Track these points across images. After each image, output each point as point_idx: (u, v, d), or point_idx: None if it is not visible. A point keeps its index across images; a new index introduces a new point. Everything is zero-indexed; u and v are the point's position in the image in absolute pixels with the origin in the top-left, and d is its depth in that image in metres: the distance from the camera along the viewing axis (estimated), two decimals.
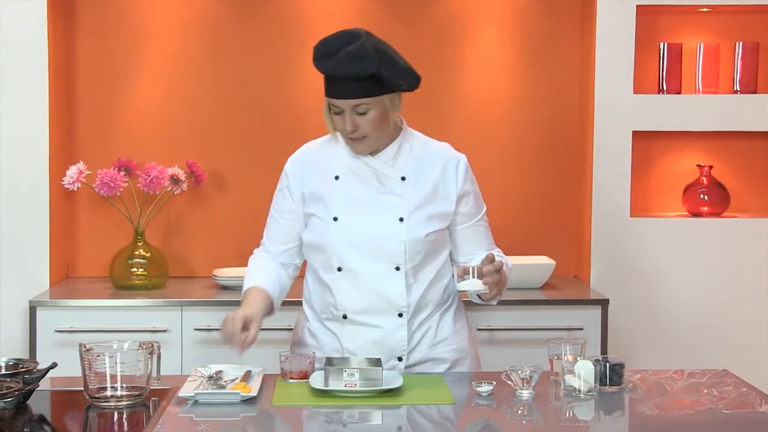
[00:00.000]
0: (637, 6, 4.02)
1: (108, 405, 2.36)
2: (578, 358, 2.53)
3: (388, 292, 2.70)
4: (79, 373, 2.40)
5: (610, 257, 4.08)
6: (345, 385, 2.45)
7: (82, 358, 2.38)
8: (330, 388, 2.45)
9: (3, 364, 2.45)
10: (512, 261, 3.88)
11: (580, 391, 2.46)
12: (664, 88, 4.15)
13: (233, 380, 2.52)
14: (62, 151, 4.10)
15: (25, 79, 3.90)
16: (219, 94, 4.23)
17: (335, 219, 2.70)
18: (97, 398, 2.37)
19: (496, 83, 4.27)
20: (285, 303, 2.86)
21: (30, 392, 2.38)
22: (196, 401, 2.40)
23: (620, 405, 2.48)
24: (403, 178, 2.72)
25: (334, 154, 2.76)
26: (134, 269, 3.98)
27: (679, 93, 4.14)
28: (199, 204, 4.26)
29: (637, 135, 4.10)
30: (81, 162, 3.98)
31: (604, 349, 3.79)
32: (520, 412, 2.39)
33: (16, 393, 2.25)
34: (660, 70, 4.15)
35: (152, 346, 2.45)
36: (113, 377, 2.37)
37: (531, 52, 4.27)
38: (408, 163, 2.74)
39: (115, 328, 3.68)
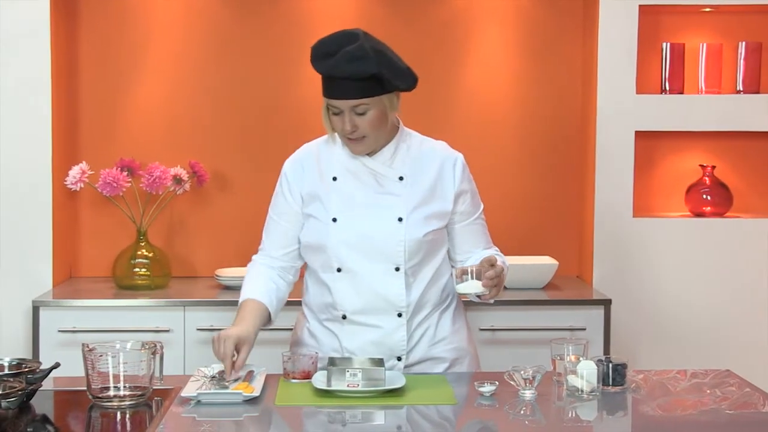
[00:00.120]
0: (640, 6, 4.02)
1: (111, 405, 2.36)
2: (581, 359, 2.53)
3: (387, 292, 2.70)
4: (82, 373, 2.40)
5: (613, 257, 4.08)
6: (347, 385, 2.45)
7: (85, 358, 2.38)
8: (332, 388, 2.45)
9: (6, 364, 2.45)
10: (515, 261, 3.91)
11: (582, 391, 2.46)
12: (667, 88, 4.15)
13: (236, 380, 2.52)
14: (65, 151, 4.11)
15: (27, 79, 3.90)
16: (221, 94, 4.23)
17: (334, 220, 2.70)
18: (100, 398, 2.37)
19: (498, 83, 4.27)
20: (285, 303, 2.85)
21: (33, 392, 2.38)
22: (198, 401, 2.41)
23: (623, 405, 2.48)
24: (401, 178, 2.72)
25: (331, 155, 2.76)
26: (137, 269, 3.98)
27: (682, 93, 4.14)
28: (201, 204, 4.26)
29: (639, 135, 4.10)
30: (84, 162, 3.98)
31: (606, 350, 3.79)
32: (522, 412, 2.39)
33: (20, 393, 2.25)
34: (663, 70, 4.15)
35: (155, 346, 2.45)
36: (116, 377, 2.37)
37: (533, 51, 4.27)
38: (405, 163, 2.74)
39: (117, 328, 3.68)
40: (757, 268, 4.07)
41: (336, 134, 2.72)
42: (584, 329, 3.78)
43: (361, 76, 2.55)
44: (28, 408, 2.35)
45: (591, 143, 4.12)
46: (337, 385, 2.45)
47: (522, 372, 2.46)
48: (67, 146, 4.14)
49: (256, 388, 2.46)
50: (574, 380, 2.47)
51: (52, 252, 3.94)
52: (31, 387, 2.35)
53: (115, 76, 4.21)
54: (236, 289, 3.83)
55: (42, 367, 2.43)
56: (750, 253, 4.07)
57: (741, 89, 4.15)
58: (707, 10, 4.16)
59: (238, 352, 2.55)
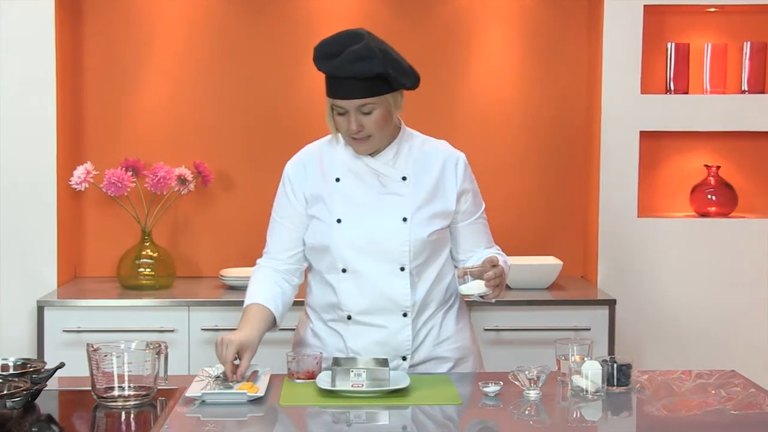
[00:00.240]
0: (645, 6, 4.01)
1: (115, 405, 2.36)
2: (585, 359, 2.53)
3: (392, 292, 2.70)
4: (86, 373, 2.40)
5: (617, 257, 4.07)
6: (352, 386, 2.45)
7: (89, 358, 2.38)
8: (337, 388, 2.45)
9: (11, 364, 2.45)
10: (519, 261, 3.92)
11: (587, 391, 2.46)
12: (672, 88, 4.14)
13: (240, 380, 2.52)
14: (69, 152, 4.11)
15: (32, 79, 3.91)
16: (226, 94, 4.24)
17: (339, 221, 2.70)
18: (104, 398, 2.37)
19: (502, 83, 4.27)
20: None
21: (38, 392, 2.38)
22: (203, 401, 2.41)
23: (628, 405, 2.47)
24: (404, 178, 2.72)
25: (334, 155, 2.76)
26: (141, 269, 3.99)
27: (687, 93, 4.14)
28: (206, 204, 4.26)
29: (644, 135, 4.09)
30: (88, 162, 3.98)
31: (611, 350, 3.79)
32: (527, 412, 2.39)
33: (24, 393, 2.25)
34: (667, 70, 4.15)
35: (159, 346, 2.45)
36: (120, 377, 2.37)
37: (537, 52, 4.27)
38: (408, 163, 2.73)
39: (122, 328, 3.69)
40: (762, 268, 4.06)
41: (339, 134, 2.72)
42: (589, 329, 3.78)
43: (368, 75, 2.55)
44: (33, 408, 2.36)
45: (595, 143, 4.11)
46: (341, 386, 2.45)
47: (526, 372, 2.46)
48: (71, 146, 4.14)
49: (260, 388, 2.46)
50: (578, 380, 2.47)
51: (56, 252, 3.94)
52: (36, 387, 2.36)
53: (119, 76, 4.21)
54: (241, 289, 3.84)
55: (47, 367, 2.44)
56: (755, 253, 4.06)
57: (746, 89, 4.14)
58: (712, 10, 4.15)
59: (240, 358, 2.55)
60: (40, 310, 3.75)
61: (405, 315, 2.72)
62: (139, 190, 4.02)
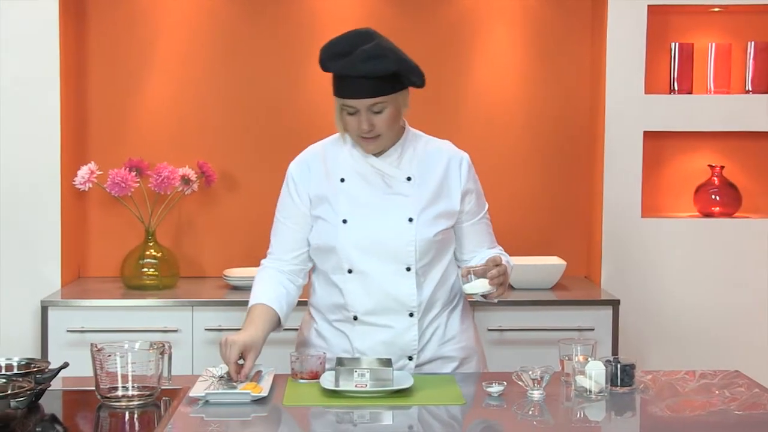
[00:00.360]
0: (648, 6, 4.01)
1: (119, 405, 2.36)
2: (589, 359, 2.53)
3: (398, 292, 2.70)
4: (90, 373, 2.41)
5: (621, 258, 4.07)
6: (355, 386, 2.45)
7: (93, 358, 2.39)
8: (340, 388, 2.45)
9: (15, 364, 2.45)
10: (522, 261, 3.92)
11: (591, 391, 2.46)
12: (676, 88, 4.14)
13: (244, 380, 2.52)
14: (73, 152, 4.12)
15: (36, 79, 3.91)
16: (229, 94, 4.24)
17: (344, 221, 2.70)
18: (108, 398, 2.37)
19: (506, 83, 4.27)
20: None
21: (42, 392, 2.38)
22: (206, 401, 2.41)
23: (631, 406, 2.47)
24: (408, 179, 2.72)
25: (337, 156, 2.76)
26: (145, 269, 3.99)
27: (691, 93, 4.13)
28: (209, 204, 4.26)
29: (648, 135, 4.09)
30: (92, 162, 3.99)
31: (615, 350, 3.79)
32: (530, 412, 2.38)
33: (28, 392, 2.25)
34: (671, 70, 4.14)
35: (163, 346, 2.45)
36: (124, 377, 2.37)
37: (541, 52, 4.27)
38: (412, 163, 2.74)
39: (126, 328, 3.69)
40: (766, 268, 4.06)
41: (347, 134, 2.72)
42: (592, 329, 3.78)
43: (381, 74, 2.55)
44: (37, 408, 2.36)
45: (599, 143, 4.11)
46: (345, 386, 2.45)
47: (530, 372, 2.46)
48: (75, 146, 4.15)
49: (264, 388, 2.46)
50: (582, 381, 2.47)
51: (60, 252, 3.95)
52: (40, 387, 2.36)
53: (123, 76, 4.22)
54: (244, 289, 3.85)
55: (51, 367, 2.44)
56: (759, 253, 4.06)
57: (750, 89, 4.14)
58: (716, 9, 4.15)
59: (244, 358, 2.55)
60: (44, 310, 3.75)
61: (411, 315, 2.72)
62: (142, 190, 4.02)
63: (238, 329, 2.65)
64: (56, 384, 2.48)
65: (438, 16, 4.24)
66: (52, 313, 3.74)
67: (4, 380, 2.30)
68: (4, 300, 3.92)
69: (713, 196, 4.17)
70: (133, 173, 3.97)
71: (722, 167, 4.17)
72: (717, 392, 2.55)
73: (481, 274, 2.57)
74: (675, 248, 4.07)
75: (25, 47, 3.90)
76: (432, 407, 2.41)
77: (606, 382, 2.47)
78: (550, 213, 4.31)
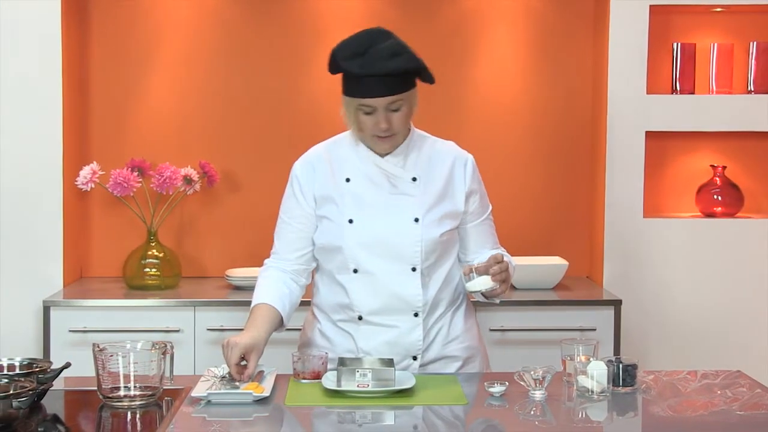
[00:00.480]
0: (651, 6, 4.01)
1: (121, 405, 2.36)
2: (591, 359, 2.53)
3: (404, 292, 2.70)
4: (92, 373, 2.41)
5: (623, 258, 4.07)
6: (357, 386, 2.45)
7: (95, 358, 2.39)
8: (342, 388, 2.45)
9: (17, 364, 2.46)
10: (524, 261, 3.91)
11: (593, 391, 2.46)
12: (678, 88, 4.14)
13: (246, 381, 2.52)
14: (76, 152, 4.12)
15: (39, 79, 3.91)
16: (231, 94, 4.24)
17: (350, 221, 2.70)
18: (110, 398, 2.37)
19: (508, 83, 4.27)
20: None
21: (44, 392, 2.38)
22: (208, 401, 2.41)
23: (633, 406, 2.47)
24: (414, 179, 2.72)
25: (343, 156, 2.76)
26: (147, 269, 3.99)
27: (693, 93, 4.13)
28: (211, 204, 4.26)
29: (650, 135, 4.09)
30: (94, 162, 3.99)
31: (616, 350, 3.79)
32: (532, 412, 2.38)
33: (30, 392, 2.25)
34: (673, 70, 4.14)
35: (165, 346, 2.45)
36: (126, 377, 2.37)
37: (544, 52, 4.26)
38: (418, 163, 2.74)
39: (128, 328, 3.69)
40: None
41: (347, 135, 2.72)
42: (594, 329, 3.78)
43: (401, 71, 2.56)
44: (39, 408, 2.36)
45: (601, 143, 4.11)
46: (347, 386, 2.45)
47: (532, 372, 2.46)
48: (77, 146, 4.15)
49: (266, 388, 2.46)
50: (584, 381, 2.47)
51: (62, 252, 3.95)
52: (42, 387, 2.36)
53: (125, 76, 4.22)
54: (246, 289, 3.85)
55: (53, 367, 2.44)
56: (761, 253, 4.06)
57: (752, 89, 4.14)
58: (718, 10, 4.14)
59: (246, 360, 2.55)
60: (46, 310, 3.75)
61: (416, 315, 2.72)
62: (144, 190, 4.03)
63: (240, 329, 2.65)
64: (58, 384, 2.48)
65: (440, 16, 4.24)
66: (54, 313, 3.75)
67: (6, 380, 2.30)
68: (6, 300, 3.93)
69: (715, 197, 4.17)
70: (135, 173, 3.97)
71: (724, 167, 4.17)
72: (719, 392, 2.55)
73: (483, 271, 2.57)
74: (677, 248, 4.07)
75: (27, 47, 3.90)
76: (433, 407, 2.40)
77: (608, 383, 2.47)
78: (552, 213, 4.31)
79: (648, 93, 4.06)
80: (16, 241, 3.94)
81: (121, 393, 2.37)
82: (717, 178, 4.17)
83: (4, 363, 2.45)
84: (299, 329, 2.96)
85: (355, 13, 4.20)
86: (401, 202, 2.71)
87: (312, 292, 2.88)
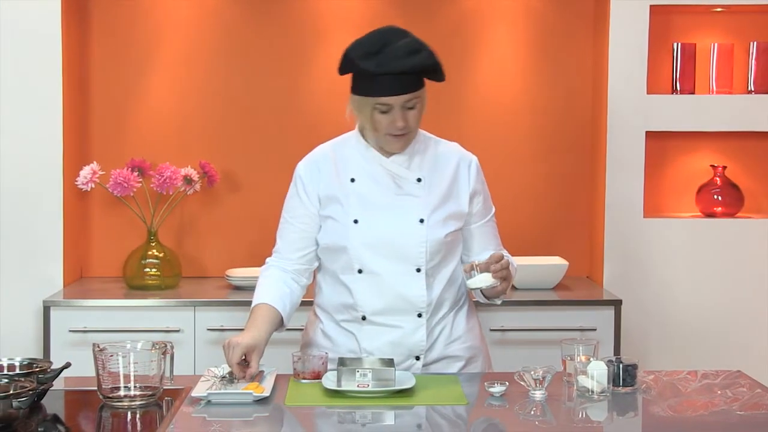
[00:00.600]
0: (651, 6, 4.01)
1: (121, 405, 2.36)
2: (591, 359, 2.53)
3: (408, 293, 2.70)
4: (92, 373, 2.41)
5: (623, 258, 4.07)
6: (357, 386, 2.45)
7: (95, 358, 2.39)
8: (342, 388, 2.45)
9: (17, 364, 2.46)
10: (525, 261, 3.91)
11: (593, 391, 2.45)
12: (678, 88, 4.14)
13: (246, 380, 2.52)
14: (76, 152, 4.12)
15: (39, 79, 3.91)
16: (232, 94, 4.24)
17: (356, 221, 2.70)
18: (110, 398, 2.37)
19: (508, 83, 4.27)
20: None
21: (44, 392, 2.38)
22: (209, 401, 2.41)
23: (633, 406, 2.47)
24: (419, 180, 2.72)
25: (348, 156, 2.76)
26: (147, 269, 3.99)
27: (693, 93, 4.13)
28: (212, 204, 4.26)
29: (650, 135, 4.09)
30: (94, 162, 3.99)
31: (617, 350, 3.79)
32: (532, 412, 2.38)
33: (30, 392, 2.25)
34: (673, 71, 4.14)
35: (165, 346, 2.45)
36: (126, 377, 2.37)
37: (544, 52, 4.26)
38: (423, 164, 2.74)
39: (128, 328, 3.69)
40: None
41: (351, 135, 2.73)
42: (594, 330, 3.78)
43: (420, 68, 2.57)
44: (39, 408, 2.36)
45: (602, 143, 4.11)
46: (347, 386, 2.45)
47: (532, 372, 2.46)
48: (78, 146, 4.15)
49: (266, 388, 2.46)
50: (584, 381, 2.47)
51: (62, 252, 3.95)
52: (42, 387, 2.36)
53: (126, 76, 4.22)
54: (247, 289, 3.85)
55: (53, 367, 2.44)
56: (761, 253, 4.06)
57: (752, 89, 4.14)
58: (718, 10, 4.14)
59: (247, 360, 2.55)
60: (46, 310, 3.75)
61: (420, 315, 2.72)
62: (145, 190, 4.03)
63: (240, 329, 2.65)
64: (58, 384, 2.48)
65: (440, 16, 4.24)
66: (54, 313, 3.75)
67: (6, 380, 2.30)
68: (6, 300, 3.93)
69: (715, 197, 4.17)
70: (136, 173, 3.97)
71: (724, 167, 4.17)
72: (719, 392, 2.55)
73: (484, 268, 2.58)
74: (677, 248, 4.07)
75: (27, 47, 3.90)
76: (433, 407, 2.40)
77: (608, 383, 2.47)
78: (552, 213, 4.31)
79: (648, 93, 4.06)
80: (16, 241, 3.94)
81: (121, 393, 2.37)
82: (717, 178, 4.17)
83: (4, 363, 2.45)
84: (300, 329, 2.96)
85: (355, 13, 4.20)
86: (406, 202, 2.71)
87: (314, 292, 2.88)
